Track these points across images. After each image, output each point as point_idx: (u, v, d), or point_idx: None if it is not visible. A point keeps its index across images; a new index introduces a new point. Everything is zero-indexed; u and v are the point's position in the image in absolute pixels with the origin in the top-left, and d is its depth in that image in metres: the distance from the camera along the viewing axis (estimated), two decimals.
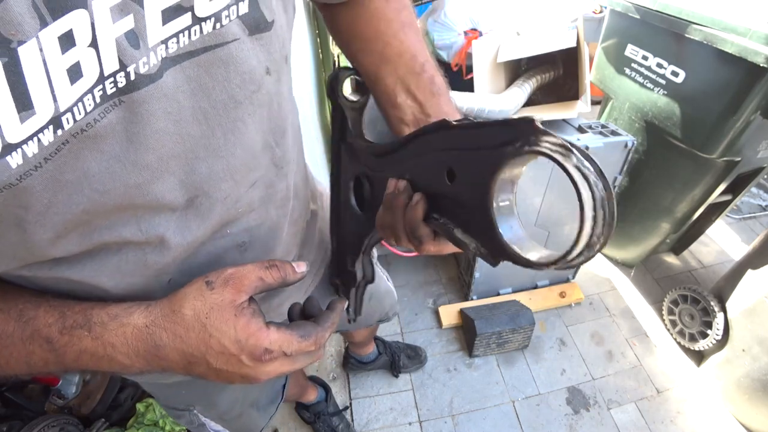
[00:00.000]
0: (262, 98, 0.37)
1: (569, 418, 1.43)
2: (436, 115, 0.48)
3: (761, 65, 1.04)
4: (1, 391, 1.30)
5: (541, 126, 0.27)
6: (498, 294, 1.76)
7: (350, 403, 1.48)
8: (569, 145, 0.26)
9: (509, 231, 0.31)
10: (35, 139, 0.26)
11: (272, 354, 0.35)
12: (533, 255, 0.31)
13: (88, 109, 0.27)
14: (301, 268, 0.41)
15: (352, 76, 0.51)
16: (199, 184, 0.36)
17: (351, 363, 1.52)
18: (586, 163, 0.26)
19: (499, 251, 0.31)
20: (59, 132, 0.26)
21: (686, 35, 1.21)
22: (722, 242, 2.05)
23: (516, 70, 1.53)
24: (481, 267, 1.58)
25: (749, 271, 1.31)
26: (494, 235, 0.31)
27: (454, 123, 0.34)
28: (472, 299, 1.74)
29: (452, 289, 1.84)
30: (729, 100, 1.17)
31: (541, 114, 1.38)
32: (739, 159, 1.31)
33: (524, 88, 1.39)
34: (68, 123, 0.26)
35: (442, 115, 0.47)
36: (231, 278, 0.36)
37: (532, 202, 1.39)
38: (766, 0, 1.20)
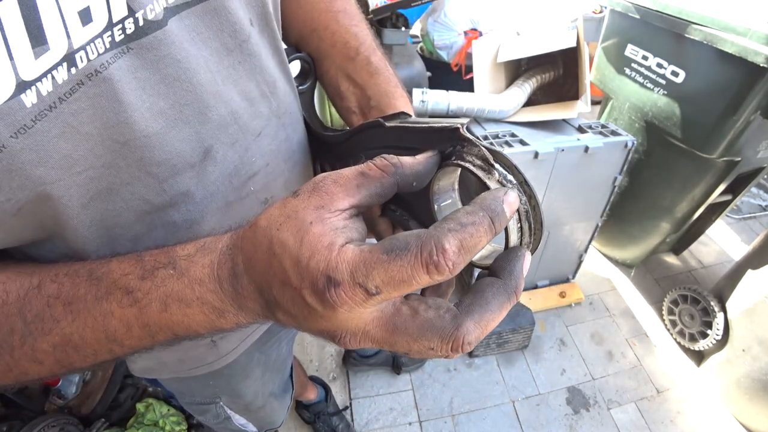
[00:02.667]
0: (251, 48, 0.38)
1: (569, 418, 1.43)
2: (376, 96, 0.49)
3: (761, 65, 1.04)
4: (1, 391, 1.30)
5: (466, 134, 0.27)
6: None
7: (350, 403, 1.48)
8: (492, 161, 0.26)
9: None
10: (49, 76, 0.25)
11: (340, 288, 0.21)
12: (474, 257, 0.31)
13: (101, 51, 0.27)
14: (427, 154, 0.28)
15: (299, 59, 0.52)
16: (212, 132, 0.36)
17: (352, 358, 1.53)
18: (510, 177, 0.27)
19: None
20: (73, 70, 0.26)
21: (686, 35, 1.21)
22: (722, 242, 2.05)
23: (516, 70, 1.53)
24: None
25: (749, 271, 1.31)
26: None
27: (388, 125, 0.34)
28: None
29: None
30: (729, 100, 1.17)
31: (540, 114, 1.38)
32: (739, 159, 1.31)
33: (524, 88, 1.39)
34: (82, 62, 0.26)
35: (382, 95, 0.48)
36: (323, 180, 0.25)
37: None
38: (766, 0, 1.20)
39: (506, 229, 0.26)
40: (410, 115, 0.38)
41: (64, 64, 0.26)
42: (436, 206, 0.31)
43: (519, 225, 0.27)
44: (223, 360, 0.62)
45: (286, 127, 0.46)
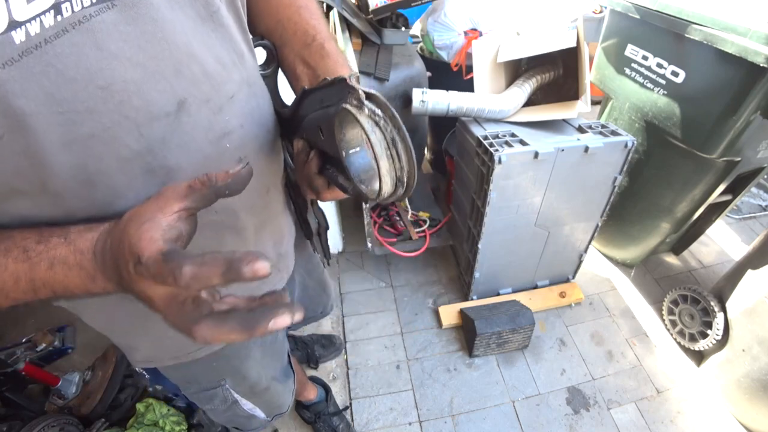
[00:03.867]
0: (221, 20, 0.43)
1: (569, 418, 1.43)
2: (324, 75, 0.55)
3: (761, 65, 1.04)
4: (1, 391, 1.30)
5: (351, 82, 0.34)
6: (498, 294, 1.76)
7: (350, 403, 1.48)
8: (363, 99, 0.33)
9: (358, 170, 0.38)
10: (38, 20, 0.30)
11: (140, 267, 0.29)
12: (369, 191, 0.37)
13: (86, 5, 0.32)
14: (236, 169, 0.35)
15: (263, 46, 0.58)
16: (185, 88, 0.39)
17: None
18: (378, 111, 0.33)
19: (356, 190, 0.38)
20: (59, 18, 0.31)
21: (686, 35, 1.21)
22: (722, 242, 2.05)
23: (516, 70, 1.53)
24: (481, 267, 1.58)
25: (749, 271, 1.31)
26: (350, 177, 0.37)
27: (308, 88, 0.41)
28: (472, 299, 1.74)
29: (452, 289, 1.84)
30: (729, 100, 1.17)
31: (540, 114, 1.38)
32: (739, 159, 1.31)
33: (524, 88, 1.39)
34: (67, 11, 0.31)
35: (330, 74, 0.54)
36: (166, 189, 0.33)
37: (532, 201, 1.39)
38: (766, 0, 1.20)
39: (376, 156, 0.33)
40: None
41: (52, 11, 0.30)
42: (344, 153, 0.37)
43: (389, 152, 0.34)
44: None
45: (257, 97, 0.50)
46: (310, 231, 0.76)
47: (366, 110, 0.33)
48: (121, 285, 0.33)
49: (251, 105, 0.49)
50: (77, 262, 0.34)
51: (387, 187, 0.35)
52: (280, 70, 0.60)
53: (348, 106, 0.33)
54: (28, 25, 0.29)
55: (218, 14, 0.42)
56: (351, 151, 0.37)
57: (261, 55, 0.58)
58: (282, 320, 0.29)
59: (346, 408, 1.45)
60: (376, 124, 0.33)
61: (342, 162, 0.37)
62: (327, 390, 1.44)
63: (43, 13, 0.30)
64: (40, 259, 0.34)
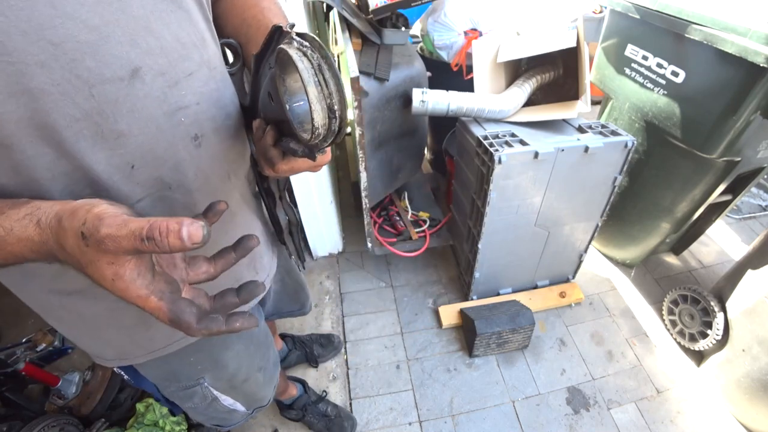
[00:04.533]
0: (180, 3, 0.45)
1: (569, 418, 1.43)
2: None
3: (761, 65, 1.04)
4: (1, 391, 1.30)
5: (287, 29, 0.36)
6: (498, 294, 1.76)
7: (350, 403, 1.48)
8: (293, 35, 0.35)
9: (299, 117, 0.38)
10: None
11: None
12: (304, 129, 0.39)
13: None
14: (191, 230, 0.31)
15: (228, 45, 0.60)
16: (140, 57, 0.41)
17: None
18: (306, 43, 0.35)
19: (301, 142, 0.39)
20: None
21: (686, 35, 1.21)
22: (722, 242, 2.05)
23: (516, 70, 1.53)
24: (481, 267, 1.58)
25: (749, 271, 1.31)
26: (293, 126, 0.38)
27: (256, 52, 0.44)
28: (472, 299, 1.74)
29: (452, 289, 1.84)
30: (729, 100, 1.17)
31: (540, 114, 1.38)
32: (739, 159, 1.31)
33: (524, 88, 1.39)
34: None
35: None
36: (104, 242, 0.31)
37: (532, 201, 1.39)
38: (766, 0, 1.20)
39: (303, 82, 0.34)
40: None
41: None
42: (287, 106, 0.38)
43: (316, 79, 0.35)
44: None
45: (216, 81, 0.51)
46: (280, 229, 0.75)
47: (295, 44, 0.35)
48: (65, 252, 0.35)
49: (210, 87, 0.50)
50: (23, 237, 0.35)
51: (318, 117, 0.36)
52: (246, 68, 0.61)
53: (282, 46, 0.35)
54: None
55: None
56: (294, 105, 0.38)
57: (228, 55, 0.60)
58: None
59: (325, 393, 1.47)
60: (304, 54, 0.35)
61: (286, 116, 0.38)
62: (304, 383, 1.45)
63: None
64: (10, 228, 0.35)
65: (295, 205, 1.62)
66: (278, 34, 0.40)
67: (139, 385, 1.30)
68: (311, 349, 1.56)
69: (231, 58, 0.60)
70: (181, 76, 0.45)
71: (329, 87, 0.35)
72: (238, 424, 0.90)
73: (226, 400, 0.79)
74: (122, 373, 1.13)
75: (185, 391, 0.72)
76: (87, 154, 0.40)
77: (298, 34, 0.36)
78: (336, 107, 0.36)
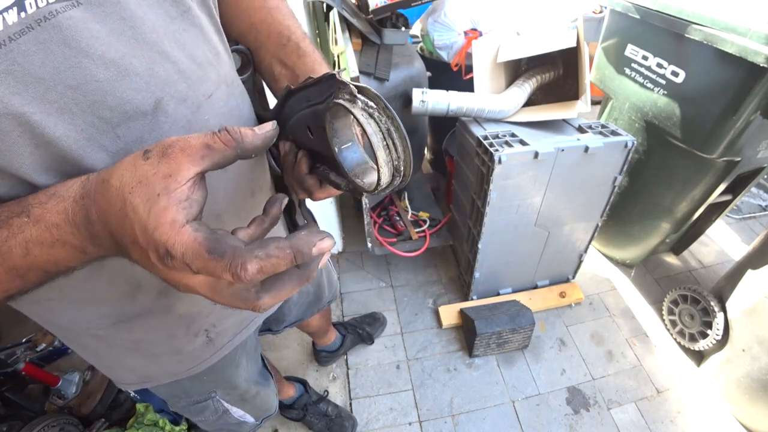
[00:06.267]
0: (192, 19, 0.42)
1: (569, 418, 1.43)
2: (303, 74, 0.54)
3: (761, 65, 1.04)
4: (1, 391, 1.30)
5: (340, 77, 0.34)
6: (498, 294, 1.76)
7: (350, 403, 1.48)
8: (355, 93, 0.33)
9: (352, 165, 0.38)
10: (0, 16, 0.29)
11: (174, 261, 0.27)
12: (366, 184, 0.38)
13: (50, 1, 0.31)
14: (265, 128, 0.33)
15: (237, 51, 0.58)
16: (160, 87, 0.38)
17: (323, 356, 1.55)
18: (371, 104, 0.33)
19: (352, 185, 0.38)
20: (23, 14, 0.29)
21: (686, 35, 1.21)
22: (722, 242, 2.05)
23: (516, 70, 1.53)
24: (481, 267, 1.58)
25: (749, 271, 1.31)
26: (345, 172, 0.38)
27: (293, 87, 0.40)
28: (472, 299, 1.74)
29: (452, 289, 1.84)
30: (729, 100, 1.17)
31: (540, 114, 1.38)
32: (739, 159, 1.31)
33: (524, 88, 1.39)
34: (31, 8, 0.30)
35: (309, 72, 0.53)
36: (171, 146, 0.29)
37: (532, 201, 1.39)
38: (766, 0, 1.20)
39: (373, 148, 0.33)
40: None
41: (15, 8, 0.29)
42: (336, 149, 0.37)
43: (385, 143, 0.34)
44: (218, 354, 0.63)
45: (236, 96, 0.49)
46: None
47: (359, 103, 0.33)
48: (123, 254, 0.31)
49: (230, 105, 0.48)
50: (57, 239, 0.31)
51: (385, 177, 0.36)
52: (257, 74, 0.59)
53: (341, 101, 0.33)
54: None
55: (189, 13, 0.42)
56: (343, 147, 0.37)
57: (236, 60, 0.57)
58: (326, 243, 0.29)
59: (326, 392, 1.47)
60: (371, 116, 0.33)
61: (335, 159, 0.37)
62: (304, 383, 1.45)
63: (6, 10, 0.29)
64: (10, 249, 0.31)
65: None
66: (333, 83, 0.35)
67: (146, 400, 1.30)
68: (363, 329, 1.61)
69: (237, 63, 0.58)
70: (201, 100, 0.43)
71: (397, 151, 0.34)
72: None
73: (237, 412, 0.79)
74: (130, 391, 1.12)
75: (196, 406, 0.71)
76: None
77: (358, 89, 0.33)
78: (402, 167, 0.35)
